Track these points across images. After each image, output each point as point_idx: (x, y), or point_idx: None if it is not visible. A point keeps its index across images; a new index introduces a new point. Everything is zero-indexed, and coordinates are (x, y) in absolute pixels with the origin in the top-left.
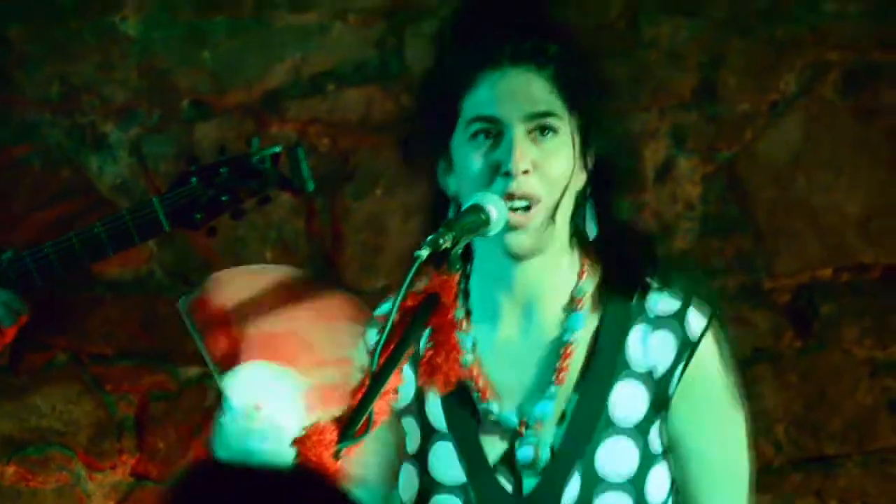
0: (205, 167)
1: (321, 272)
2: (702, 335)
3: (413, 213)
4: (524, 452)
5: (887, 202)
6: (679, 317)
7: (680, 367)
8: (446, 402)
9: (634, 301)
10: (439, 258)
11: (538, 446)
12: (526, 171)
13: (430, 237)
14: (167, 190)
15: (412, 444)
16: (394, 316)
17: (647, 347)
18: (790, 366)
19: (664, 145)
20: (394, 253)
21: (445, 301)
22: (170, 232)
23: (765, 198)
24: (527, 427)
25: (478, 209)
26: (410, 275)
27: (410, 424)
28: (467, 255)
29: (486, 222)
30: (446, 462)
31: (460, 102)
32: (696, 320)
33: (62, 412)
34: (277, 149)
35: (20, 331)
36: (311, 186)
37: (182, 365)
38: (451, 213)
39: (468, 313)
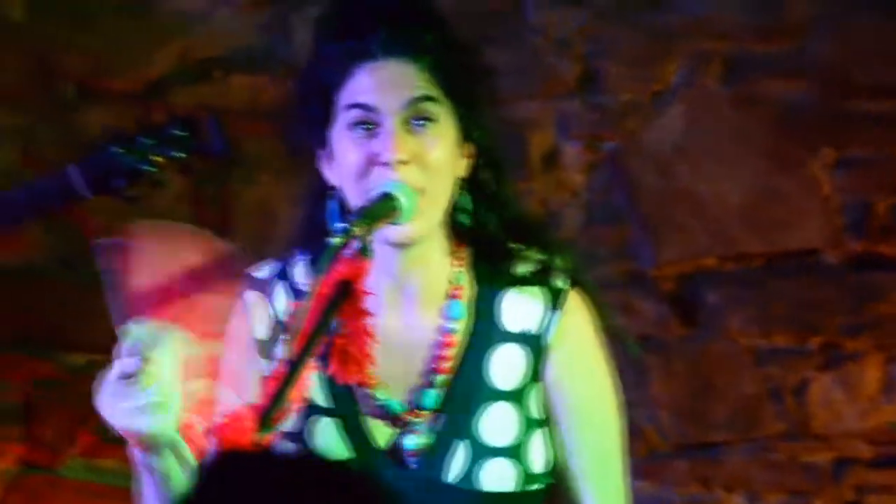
0: (124, 136)
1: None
2: (567, 286)
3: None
4: (410, 440)
5: (769, 191)
6: (544, 273)
7: (552, 316)
8: (328, 381)
9: (501, 268)
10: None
11: (424, 433)
12: (404, 161)
13: (342, 225)
14: (87, 157)
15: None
16: (309, 303)
17: (518, 308)
18: (675, 354)
19: (550, 134)
20: (283, 240)
21: (358, 289)
22: (91, 198)
23: (649, 187)
24: (411, 415)
25: (389, 197)
26: (326, 262)
27: None
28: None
29: (397, 210)
30: (330, 440)
31: (337, 93)
32: (559, 274)
33: None
34: (193, 118)
35: None
36: (228, 152)
37: (69, 352)
38: (332, 204)
39: None
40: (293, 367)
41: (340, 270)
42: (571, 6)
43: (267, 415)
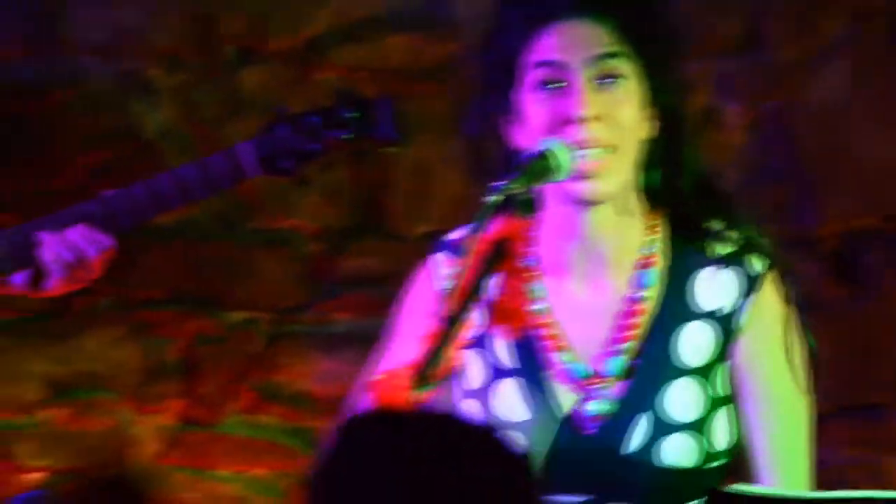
0: (296, 116)
1: (367, 219)
2: (765, 271)
3: (460, 160)
4: (592, 406)
5: None
6: (742, 256)
7: (747, 301)
8: (515, 342)
9: (698, 244)
10: (509, 204)
11: (606, 400)
12: (593, 118)
13: (501, 183)
14: (257, 136)
15: (474, 379)
16: (467, 261)
17: (713, 287)
18: (837, 315)
19: (710, 93)
20: (441, 199)
21: (516, 247)
22: (259, 178)
23: (810, 146)
24: (596, 381)
25: (546, 155)
26: (483, 220)
27: (473, 360)
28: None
29: (555, 168)
30: (511, 400)
31: (522, 57)
32: (758, 259)
33: (109, 356)
34: (366, 99)
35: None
36: (398, 138)
37: (228, 310)
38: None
39: (537, 262)
40: (450, 325)
41: (498, 228)
42: None
43: (423, 372)
